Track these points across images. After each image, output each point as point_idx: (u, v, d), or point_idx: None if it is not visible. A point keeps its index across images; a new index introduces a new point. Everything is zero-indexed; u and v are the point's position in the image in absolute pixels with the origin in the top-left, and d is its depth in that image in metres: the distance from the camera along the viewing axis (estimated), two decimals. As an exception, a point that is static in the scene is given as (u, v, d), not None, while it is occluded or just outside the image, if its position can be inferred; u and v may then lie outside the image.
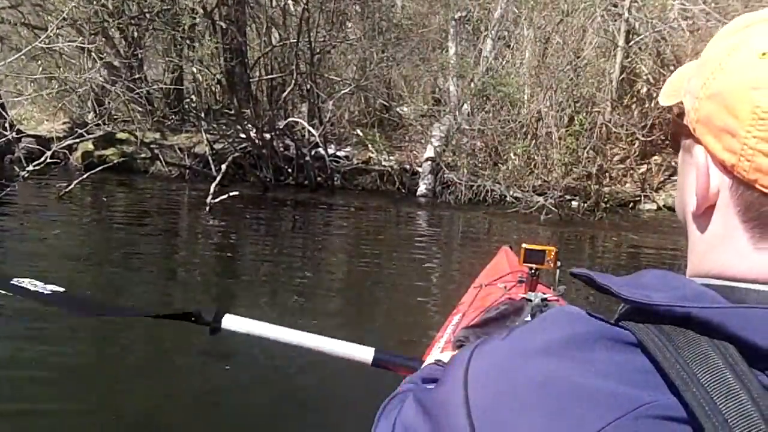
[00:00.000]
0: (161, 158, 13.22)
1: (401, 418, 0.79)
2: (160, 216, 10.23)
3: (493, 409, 0.62)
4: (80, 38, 11.47)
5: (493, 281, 3.14)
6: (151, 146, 13.40)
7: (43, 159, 9.81)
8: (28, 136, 13.38)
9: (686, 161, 0.71)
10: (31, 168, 9.64)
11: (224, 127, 14.10)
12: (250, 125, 13.35)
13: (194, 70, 14.46)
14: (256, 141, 13.26)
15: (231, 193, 10.38)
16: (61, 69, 12.56)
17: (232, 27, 13.43)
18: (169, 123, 14.25)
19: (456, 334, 2.32)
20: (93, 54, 11.35)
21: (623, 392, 0.57)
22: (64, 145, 11.00)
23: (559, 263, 2.42)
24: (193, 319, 2.05)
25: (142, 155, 13.41)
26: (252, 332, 1.99)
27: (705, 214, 0.68)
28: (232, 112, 13.40)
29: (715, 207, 0.67)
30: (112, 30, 13.20)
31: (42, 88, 12.87)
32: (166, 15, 12.72)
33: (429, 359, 1.39)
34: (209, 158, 12.93)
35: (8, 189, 9.10)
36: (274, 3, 14.40)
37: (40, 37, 10.97)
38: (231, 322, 1.99)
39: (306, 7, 12.34)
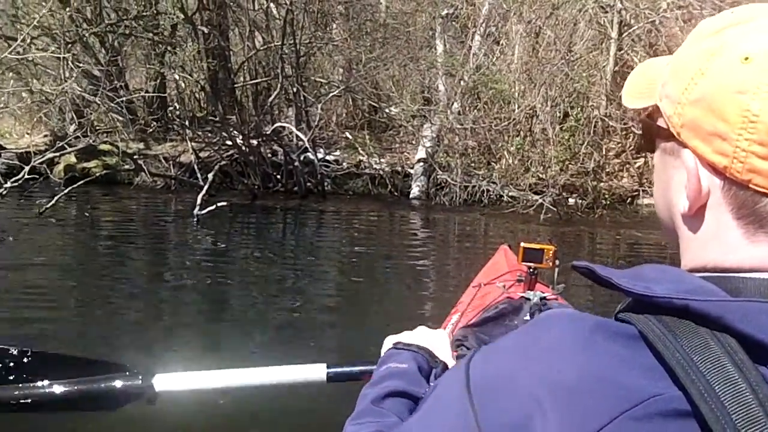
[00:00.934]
0: (145, 169, 12.83)
1: None
2: (146, 230, 9.87)
3: (502, 413, 0.63)
4: (55, 46, 11.11)
5: (492, 280, 3.12)
6: (135, 157, 13.00)
7: (21, 175, 9.39)
8: (8, 150, 12.98)
9: (669, 163, 0.72)
10: (9, 185, 9.21)
11: (210, 135, 13.75)
12: (236, 132, 13.01)
13: (176, 76, 14.08)
14: (243, 148, 12.92)
15: (219, 204, 10.04)
16: (39, 80, 12.19)
17: (214, 31, 13.08)
18: (153, 132, 13.86)
19: (455, 333, 2.31)
20: (70, 63, 10.94)
21: (630, 385, 0.58)
22: (44, 159, 10.62)
23: (557, 262, 2.42)
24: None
25: (126, 167, 12.99)
26: (192, 388, 1.71)
27: (696, 214, 0.69)
28: (217, 118, 13.04)
29: (706, 207, 0.68)
30: (91, 38, 12.83)
31: (20, 100, 12.48)
32: (144, 20, 12.36)
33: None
34: (195, 167, 12.54)
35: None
36: (256, 6, 14.05)
37: (14, 49, 10.58)
38: (165, 382, 1.68)
39: (289, 8, 11.99)
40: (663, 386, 0.58)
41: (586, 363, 0.60)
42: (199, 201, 10.13)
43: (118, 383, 1.67)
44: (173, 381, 1.69)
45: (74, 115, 13.50)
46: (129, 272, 7.34)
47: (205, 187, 10.84)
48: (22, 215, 9.86)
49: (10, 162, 12.21)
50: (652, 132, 0.74)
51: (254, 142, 12.97)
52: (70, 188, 10.17)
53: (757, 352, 0.57)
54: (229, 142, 12.98)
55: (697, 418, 0.56)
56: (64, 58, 10.52)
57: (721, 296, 0.61)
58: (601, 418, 0.57)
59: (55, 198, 9.66)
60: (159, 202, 12.00)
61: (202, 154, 13.14)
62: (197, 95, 14.96)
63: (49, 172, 12.51)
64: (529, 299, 2.24)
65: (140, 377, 1.68)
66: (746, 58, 0.63)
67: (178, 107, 14.87)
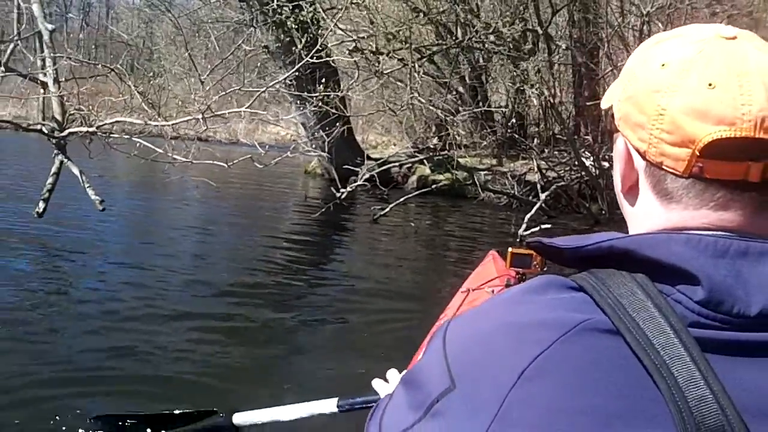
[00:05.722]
0: (491, 185, 12.79)
1: (389, 403, 0.86)
2: (460, 249, 9.66)
3: (464, 353, 0.74)
4: (410, 59, 11.62)
5: (480, 285, 3.23)
6: (484, 172, 13.06)
7: (356, 183, 10.00)
8: (371, 159, 13.99)
9: (615, 151, 0.84)
10: (345, 190, 9.78)
11: (564, 154, 13.24)
12: (587, 152, 12.28)
13: (533, 93, 13.83)
14: (592, 169, 12.14)
15: (543, 226, 9.49)
16: (409, 96, 12.89)
17: (579, 49, 12.57)
18: (506, 149, 13.81)
19: None
20: (417, 76, 11.35)
21: (568, 316, 0.68)
22: (379, 169, 11.19)
23: (545, 267, 2.53)
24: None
25: (473, 181, 13.10)
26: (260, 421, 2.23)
27: (630, 192, 0.82)
28: (567, 138, 12.46)
29: (639, 187, 0.81)
30: (458, 54, 13.21)
31: (384, 113, 13.37)
32: (497, 35, 12.34)
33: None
34: (539, 187, 12.11)
35: (319, 211, 9.33)
36: (625, 21, 13.13)
37: (382, 64, 11.31)
38: (243, 418, 2.29)
39: (645, 19, 10.95)
40: (592, 314, 0.68)
41: (534, 306, 0.71)
42: (525, 221, 9.71)
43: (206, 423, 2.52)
44: (250, 417, 2.29)
45: (437, 129, 14.08)
46: (418, 298, 6.88)
47: (534, 208, 10.38)
48: (359, 221, 10.45)
49: (371, 171, 13.10)
50: (611, 127, 0.85)
51: (605, 164, 12.11)
52: (404, 197, 10.50)
53: (665, 272, 0.69)
54: (577, 163, 12.32)
55: (621, 336, 0.66)
56: (416, 71, 10.92)
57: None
58: (547, 342, 0.67)
59: (389, 207, 10.00)
60: (494, 220, 11.82)
61: (549, 174, 12.67)
62: (554, 113, 14.54)
63: (404, 181, 13.25)
64: None
65: (222, 415, 2.38)
66: (663, 65, 0.75)
67: (534, 125, 14.63)
